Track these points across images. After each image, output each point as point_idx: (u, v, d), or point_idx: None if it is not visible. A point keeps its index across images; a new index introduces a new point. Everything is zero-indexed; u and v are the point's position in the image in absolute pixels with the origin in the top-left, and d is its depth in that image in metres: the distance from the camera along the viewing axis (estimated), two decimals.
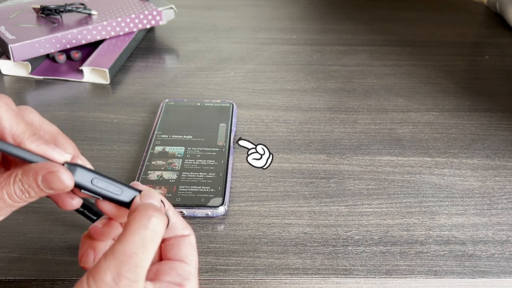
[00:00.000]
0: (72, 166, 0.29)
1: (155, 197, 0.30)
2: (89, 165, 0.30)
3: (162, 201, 0.31)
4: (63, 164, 0.28)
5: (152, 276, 0.30)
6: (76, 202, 0.30)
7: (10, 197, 0.28)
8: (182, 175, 0.46)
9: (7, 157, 0.31)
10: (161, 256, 0.32)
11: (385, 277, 0.38)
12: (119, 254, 0.26)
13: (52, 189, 0.28)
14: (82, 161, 0.30)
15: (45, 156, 0.28)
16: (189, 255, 0.31)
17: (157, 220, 0.27)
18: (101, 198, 0.30)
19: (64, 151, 0.29)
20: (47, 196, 0.30)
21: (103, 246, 0.32)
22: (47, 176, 0.27)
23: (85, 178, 0.29)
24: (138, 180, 0.45)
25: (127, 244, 0.26)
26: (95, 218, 0.38)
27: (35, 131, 0.29)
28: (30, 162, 0.28)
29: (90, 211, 0.38)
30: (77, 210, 0.38)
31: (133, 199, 0.30)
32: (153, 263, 0.31)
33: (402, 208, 0.45)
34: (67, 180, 0.28)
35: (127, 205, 0.30)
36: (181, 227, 0.32)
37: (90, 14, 0.67)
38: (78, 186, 0.29)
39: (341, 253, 0.40)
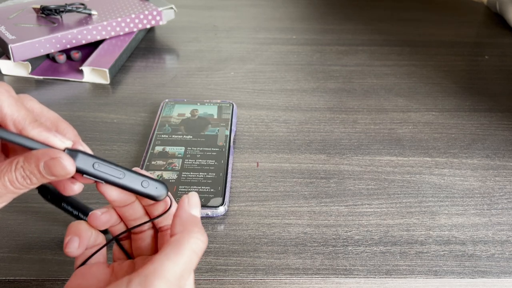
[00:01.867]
0: (73, 152, 0.29)
1: (198, 205, 0.30)
2: (89, 151, 0.31)
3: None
4: (64, 150, 0.29)
5: None
6: (77, 187, 0.30)
7: (11, 183, 0.28)
8: (182, 175, 0.46)
9: (7, 144, 0.31)
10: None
11: (385, 277, 0.38)
12: (170, 275, 0.26)
13: (54, 175, 0.28)
14: (83, 146, 0.30)
15: (46, 143, 0.28)
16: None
17: (202, 245, 0.28)
18: (103, 182, 0.30)
19: (65, 138, 0.29)
20: (48, 183, 0.30)
21: (89, 233, 0.32)
22: (49, 163, 0.27)
23: (86, 163, 0.29)
24: None
25: (178, 266, 0.27)
26: (83, 216, 0.38)
27: (36, 118, 0.29)
28: (31, 149, 0.28)
29: (75, 207, 0.39)
30: (63, 209, 0.38)
31: (160, 198, 0.31)
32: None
33: (402, 208, 0.45)
34: (69, 166, 0.28)
35: (130, 189, 0.30)
36: None
37: (90, 14, 0.67)
38: (80, 171, 0.29)
39: (341, 253, 0.40)
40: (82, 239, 0.32)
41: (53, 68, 0.64)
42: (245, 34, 0.76)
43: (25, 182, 0.28)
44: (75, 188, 0.30)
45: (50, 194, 0.38)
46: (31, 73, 0.63)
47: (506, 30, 0.80)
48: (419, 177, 0.48)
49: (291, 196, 0.46)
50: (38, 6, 0.67)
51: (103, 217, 0.32)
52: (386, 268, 0.39)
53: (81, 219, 0.39)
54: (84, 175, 0.29)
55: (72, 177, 0.30)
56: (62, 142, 0.29)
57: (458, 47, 0.74)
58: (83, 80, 0.62)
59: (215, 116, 0.54)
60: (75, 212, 0.39)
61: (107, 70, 0.61)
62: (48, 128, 0.29)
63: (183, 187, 0.44)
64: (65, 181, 0.30)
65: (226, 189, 0.44)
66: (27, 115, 0.29)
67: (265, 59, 0.69)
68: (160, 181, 0.31)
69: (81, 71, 0.62)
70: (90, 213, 0.32)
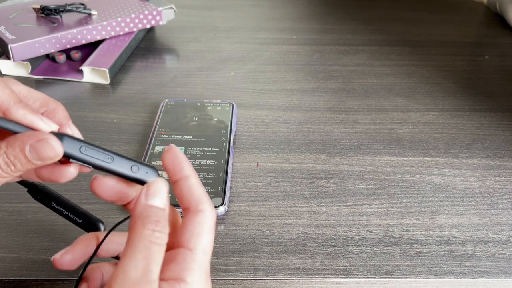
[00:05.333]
0: (58, 135, 0.28)
1: (158, 195, 0.28)
2: (78, 134, 0.30)
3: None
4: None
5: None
6: (73, 169, 0.29)
7: None
8: None
9: None
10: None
11: (385, 277, 0.38)
12: (128, 274, 0.24)
13: (41, 159, 0.26)
14: (72, 129, 0.29)
15: (31, 126, 0.27)
16: (193, 238, 0.28)
17: (159, 234, 0.26)
18: (91, 167, 0.29)
19: (51, 121, 0.28)
20: (40, 178, 0.29)
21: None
22: (36, 145, 0.26)
23: (72, 146, 0.28)
24: None
25: (136, 262, 0.25)
26: (79, 220, 0.37)
27: (21, 99, 0.27)
28: (15, 133, 0.27)
29: (65, 207, 0.38)
30: (53, 208, 0.37)
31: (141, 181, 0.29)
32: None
33: (402, 208, 0.45)
34: (58, 147, 0.26)
35: (118, 174, 0.29)
36: (196, 201, 0.29)
37: (90, 14, 0.67)
38: (66, 156, 0.28)
39: (341, 253, 0.40)
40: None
41: (53, 68, 0.64)
42: (245, 34, 0.76)
43: (9, 168, 0.26)
44: (71, 171, 0.29)
45: (39, 193, 0.37)
46: (31, 73, 0.63)
47: (506, 30, 0.80)
48: (419, 177, 0.48)
49: (291, 196, 0.46)
50: (38, 6, 0.67)
51: (65, 258, 0.30)
52: (386, 268, 0.39)
53: (71, 218, 0.38)
54: (71, 160, 0.28)
55: (60, 162, 0.28)
56: (48, 125, 0.28)
57: (458, 47, 0.74)
58: (83, 80, 0.62)
59: (215, 116, 0.54)
60: (65, 212, 0.38)
61: (107, 70, 0.61)
62: (33, 110, 0.27)
63: None
64: (59, 167, 0.29)
65: (226, 189, 0.44)
66: (12, 95, 0.27)
67: (265, 59, 0.69)
68: (151, 166, 0.30)
69: (81, 71, 0.62)
70: (52, 258, 0.31)
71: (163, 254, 0.26)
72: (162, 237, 0.26)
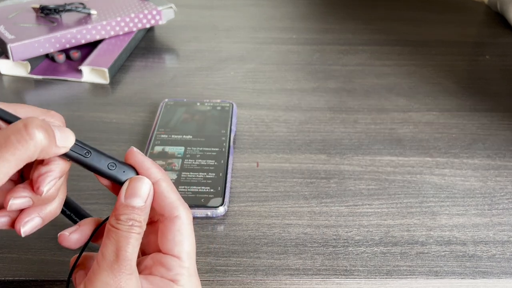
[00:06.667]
0: None
1: (139, 193, 0.29)
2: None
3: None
4: None
5: (147, 271, 0.30)
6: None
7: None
8: (182, 175, 0.45)
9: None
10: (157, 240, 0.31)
11: (386, 278, 0.38)
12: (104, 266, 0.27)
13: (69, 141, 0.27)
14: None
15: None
16: (176, 247, 0.29)
17: (138, 231, 0.28)
18: (68, 160, 0.29)
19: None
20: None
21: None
22: (63, 129, 0.27)
23: None
24: None
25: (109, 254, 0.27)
26: (75, 217, 0.37)
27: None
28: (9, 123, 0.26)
29: (76, 214, 0.38)
30: (63, 213, 0.38)
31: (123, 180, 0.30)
32: (146, 254, 0.31)
33: (402, 209, 0.44)
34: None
35: (94, 169, 0.30)
36: (170, 208, 0.30)
37: (89, 14, 0.67)
38: None
39: (342, 254, 0.40)
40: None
41: (52, 68, 0.64)
42: (245, 34, 0.76)
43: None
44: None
45: None
46: (30, 72, 0.63)
47: (507, 29, 0.80)
48: (420, 177, 0.48)
49: (291, 196, 0.45)
50: (38, 6, 0.66)
51: (72, 237, 0.31)
52: (387, 269, 0.39)
53: (72, 219, 0.38)
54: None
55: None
56: None
57: (459, 47, 0.74)
58: (83, 80, 0.62)
59: (215, 116, 0.54)
60: (68, 212, 0.38)
61: (106, 70, 0.61)
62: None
63: (183, 187, 0.44)
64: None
65: (226, 189, 0.44)
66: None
67: (265, 58, 0.69)
68: (130, 165, 0.30)
69: (80, 71, 0.62)
70: (59, 234, 0.31)
71: (140, 239, 0.28)
72: (135, 229, 0.28)
